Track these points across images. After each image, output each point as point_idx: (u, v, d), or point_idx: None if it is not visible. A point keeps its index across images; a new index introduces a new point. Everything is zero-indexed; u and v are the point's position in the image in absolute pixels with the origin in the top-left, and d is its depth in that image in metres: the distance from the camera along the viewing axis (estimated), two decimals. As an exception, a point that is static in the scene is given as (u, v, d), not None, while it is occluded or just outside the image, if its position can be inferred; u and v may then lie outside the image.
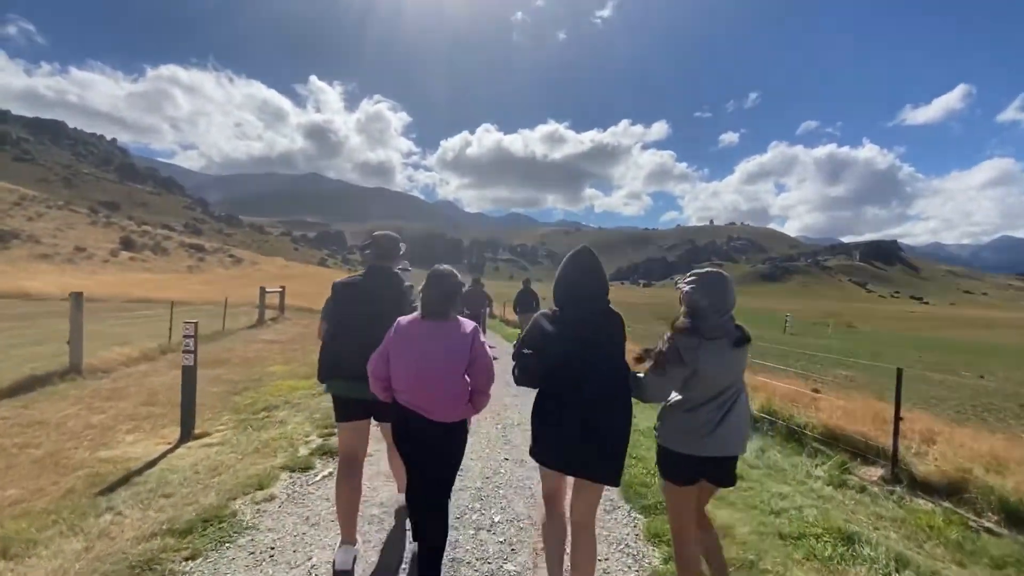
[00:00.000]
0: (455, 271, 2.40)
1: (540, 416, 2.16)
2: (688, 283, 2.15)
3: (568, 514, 2.24)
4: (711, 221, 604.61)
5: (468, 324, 2.34)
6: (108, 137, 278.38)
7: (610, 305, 2.23)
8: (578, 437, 2.02)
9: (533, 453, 2.19)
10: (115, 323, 12.33)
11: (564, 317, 2.16)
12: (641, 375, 2.16)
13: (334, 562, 2.52)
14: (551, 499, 2.25)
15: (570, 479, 2.18)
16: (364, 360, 2.37)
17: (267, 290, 14.60)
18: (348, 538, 2.60)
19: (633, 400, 2.15)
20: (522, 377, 2.18)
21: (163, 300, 20.29)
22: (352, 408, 2.67)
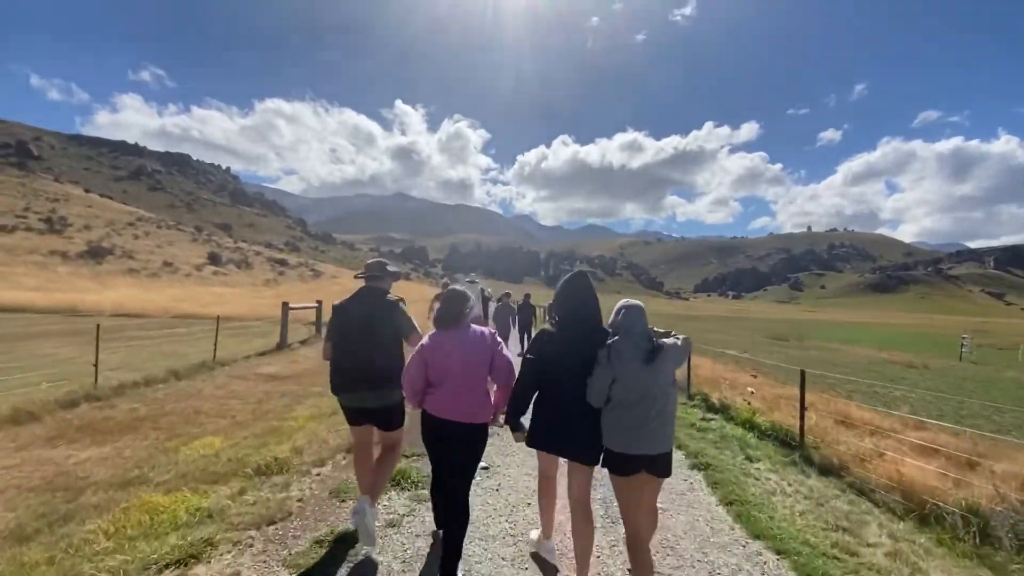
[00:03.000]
0: (467, 293, 2.87)
1: (535, 412, 2.70)
2: (617, 312, 2.67)
3: (558, 488, 2.91)
4: (809, 227, 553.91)
5: (485, 330, 2.77)
6: (223, 166, 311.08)
7: (601, 324, 2.73)
8: (558, 427, 2.60)
9: (528, 441, 2.68)
10: (113, 344, 10.66)
11: (563, 332, 2.68)
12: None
13: (353, 508, 2.95)
14: (544, 474, 2.89)
15: (563, 464, 2.73)
16: (359, 372, 3.00)
17: (291, 306, 12.31)
18: (364, 491, 3.14)
19: None
20: (521, 380, 2.69)
21: (208, 316, 19.34)
22: (356, 414, 3.16)
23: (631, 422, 2.42)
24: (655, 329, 2.64)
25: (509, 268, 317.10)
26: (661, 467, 2.46)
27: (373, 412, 3.11)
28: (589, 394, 2.51)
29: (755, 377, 9.68)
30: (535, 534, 3.13)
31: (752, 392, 6.99)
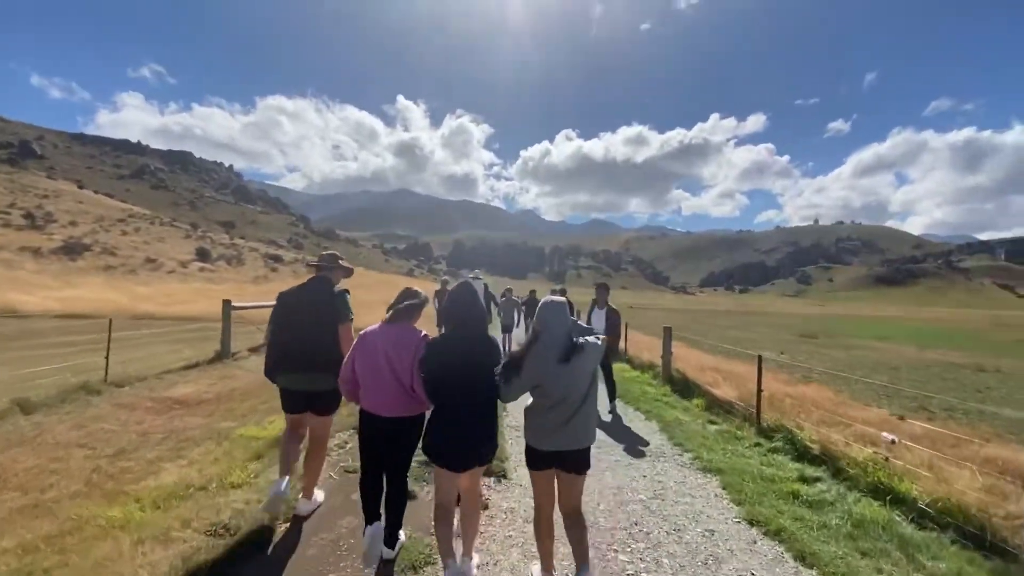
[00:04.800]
0: (420, 291, 2.90)
1: (432, 423, 2.62)
2: (539, 310, 2.59)
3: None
4: (816, 220, 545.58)
5: (420, 330, 2.81)
6: (226, 164, 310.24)
7: (487, 332, 2.70)
8: (458, 439, 2.54)
9: (432, 457, 2.60)
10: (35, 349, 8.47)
11: (451, 340, 2.65)
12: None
13: (271, 490, 3.13)
14: (468, 495, 2.78)
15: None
16: (304, 356, 3.10)
17: (238, 305, 9.99)
18: (284, 473, 3.25)
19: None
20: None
21: (168, 317, 17.14)
22: (297, 399, 3.25)
23: (550, 422, 2.44)
24: (580, 324, 2.69)
25: (513, 264, 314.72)
26: (573, 464, 2.50)
27: (315, 396, 3.21)
28: (502, 393, 2.54)
29: (887, 413, 7.28)
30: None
31: (894, 442, 4.58)
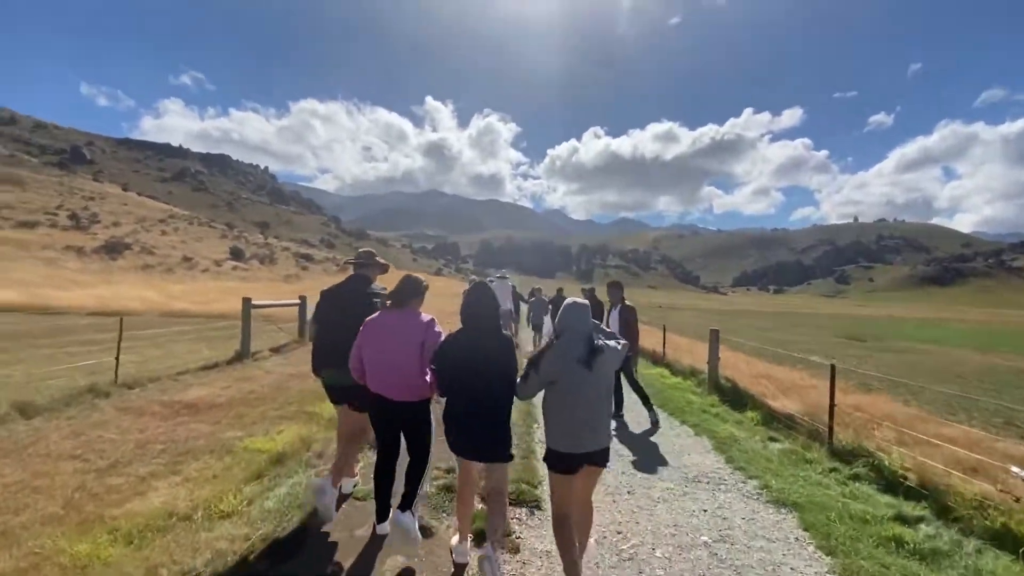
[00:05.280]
0: (420, 277, 3.03)
1: (447, 415, 2.69)
2: (562, 311, 2.58)
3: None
4: (855, 218, 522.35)
5: (425, 316, 2.88)
6: (262, 166, 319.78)
7: (500, 329, 2.74)
8: (470, 430, 2.65)
9: (450, 446, 2.72)
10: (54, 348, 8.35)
11: (466, 336, 2.74)
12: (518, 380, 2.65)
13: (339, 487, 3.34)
14: (470, 482, 2.90)
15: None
16: (342, 351, 2.99)
17: (258, 303, 9.66)
18: (336, 481, 3.27)
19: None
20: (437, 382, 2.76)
21: (201, 314, 17.17)
22: (338, 393, 3.38)
23: (571, 424, 2.42)
24: (602, 327, 2.62)
25: (540, 263, 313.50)
26: (600, 459, 2.49)
27: (352, 390, 3.14)
28: (519, 390, 2.58)
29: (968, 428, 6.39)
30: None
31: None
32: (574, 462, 2.44)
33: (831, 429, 5.13)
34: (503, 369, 2.61)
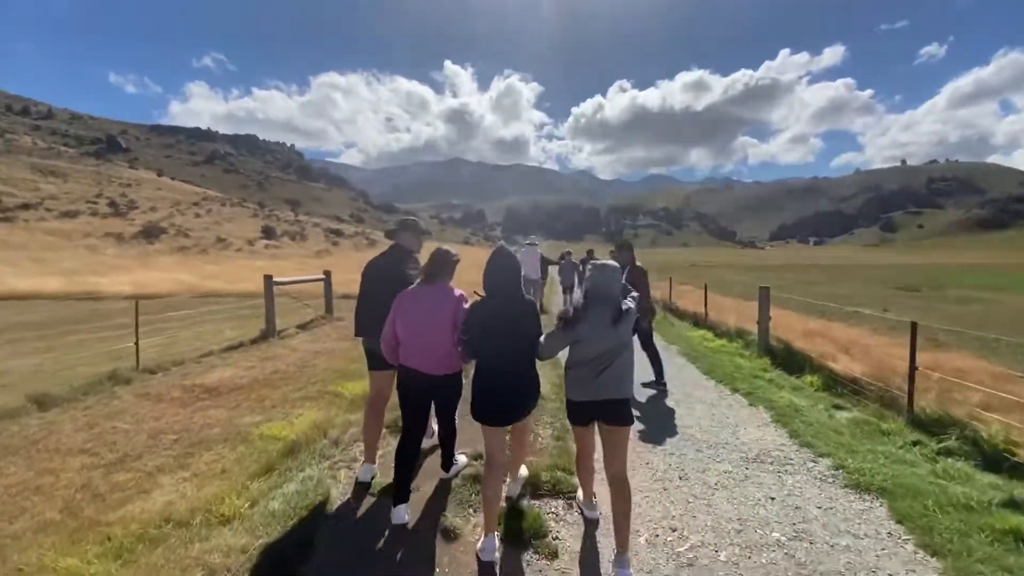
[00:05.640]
0: (451, 250, 2.98)
1: (474, 382, 2.71)
2: (592, 272, 2.63)
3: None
4: (903, 161, 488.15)
5: (457, 290, 2.91)
6: (288, 144, 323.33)
7: (521, 292, 2.75)
8: (497, 396, 2.69)
9: (473, 415, 2.70)
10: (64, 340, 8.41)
11: (490, 301, 2.74)
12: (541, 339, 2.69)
13: (356, 476, 3.37)
14: (490, 456, 2.77)
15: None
16: (379, 320, 2.98)
17: (280, 280, 9.43)
18: (370, 459, 3.44)
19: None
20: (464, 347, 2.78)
21: (237, 293, 17.34)
22: (379, 359, 3.14)
23: (585, 375, 2.52)
24: (628, 288, 2.80)
25: (569, 226, 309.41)
26: (613, 414, 2.53)
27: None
28: (541, 350, 2.65)
29: None
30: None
31: None
32: (587, 410, 2.56)
33: (911, 395, 4.48)
34: (526, 331, 2.66)
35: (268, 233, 44.79)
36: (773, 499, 3.13)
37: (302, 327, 9.70)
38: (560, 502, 3.07)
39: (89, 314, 12.57)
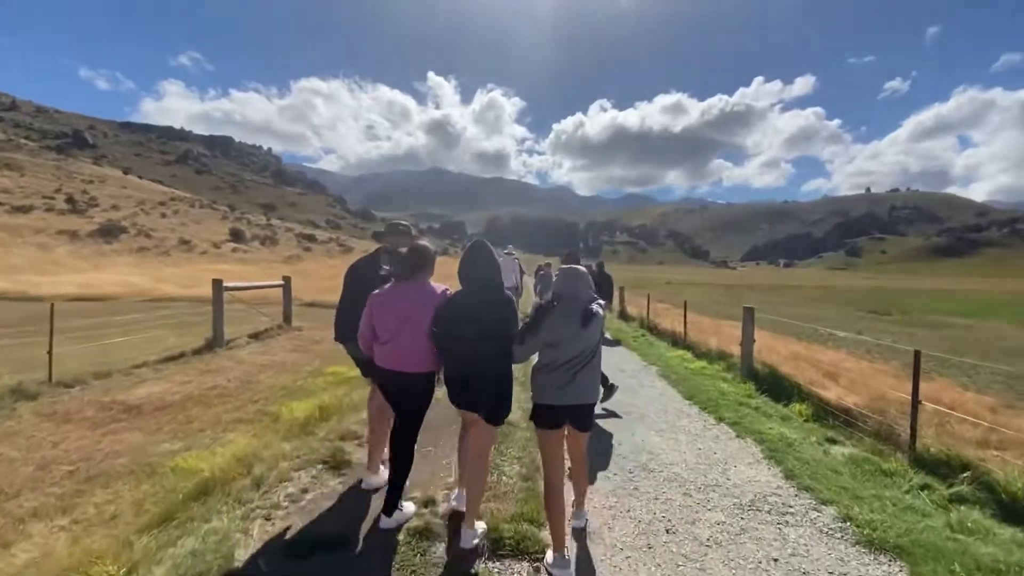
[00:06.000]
0: (429, 246, 2.83)
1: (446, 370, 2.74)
2: (557, 274, 2.73)
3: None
4: (868, 188, 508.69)
5: (438, 286, 2.76)
6: (265, 147, 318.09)
7: (500, 287, 2.69)
8: (464, 386, 2.68)
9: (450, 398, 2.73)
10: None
11: (465, 295, 2.72)
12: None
13: (360, 480, 3.29)
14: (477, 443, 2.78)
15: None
16: (356, 326, 2.89)
17: (230, 285, 8.67)
18: (373, 469, 3.30)
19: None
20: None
21: (192, 298, 16.30)
22: (368, 364, 2.99)
23: (558, 379, 2.50)
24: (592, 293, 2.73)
25: (547, 240, 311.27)
26: (582, 419, 2.60)
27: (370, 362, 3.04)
28: (517, 352, 2.58)
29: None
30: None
31: None
32: (558, 414, 2.54)
33: (914, 431, 4.09)
34: (503, 327, 2.58)
35: (236, 236, 43.23)
36: (776, 560, 2.64)
37: (254, 337, 8.94)
38: (525, 565, 2.52)
39: (21, 317, 11.50)
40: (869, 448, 4.32)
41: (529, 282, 15.18)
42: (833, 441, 4.55)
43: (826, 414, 5.24)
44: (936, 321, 20.39)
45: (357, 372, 6.89)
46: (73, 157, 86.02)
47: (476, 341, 2.53)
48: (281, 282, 10.34)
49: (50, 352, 5.70)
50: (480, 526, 2.72)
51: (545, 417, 2.56)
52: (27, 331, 9.54)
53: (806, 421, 5.16)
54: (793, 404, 5.59)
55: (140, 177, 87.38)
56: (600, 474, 3.67)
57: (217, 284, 8.12)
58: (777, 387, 6.16)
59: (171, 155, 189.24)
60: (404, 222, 3.58)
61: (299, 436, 4.04)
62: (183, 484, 3.20)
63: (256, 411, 4.92)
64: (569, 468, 2.81)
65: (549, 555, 2.52)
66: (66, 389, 5.41)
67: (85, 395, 5.27)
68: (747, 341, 6.80)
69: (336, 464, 3.48)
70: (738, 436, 4.62)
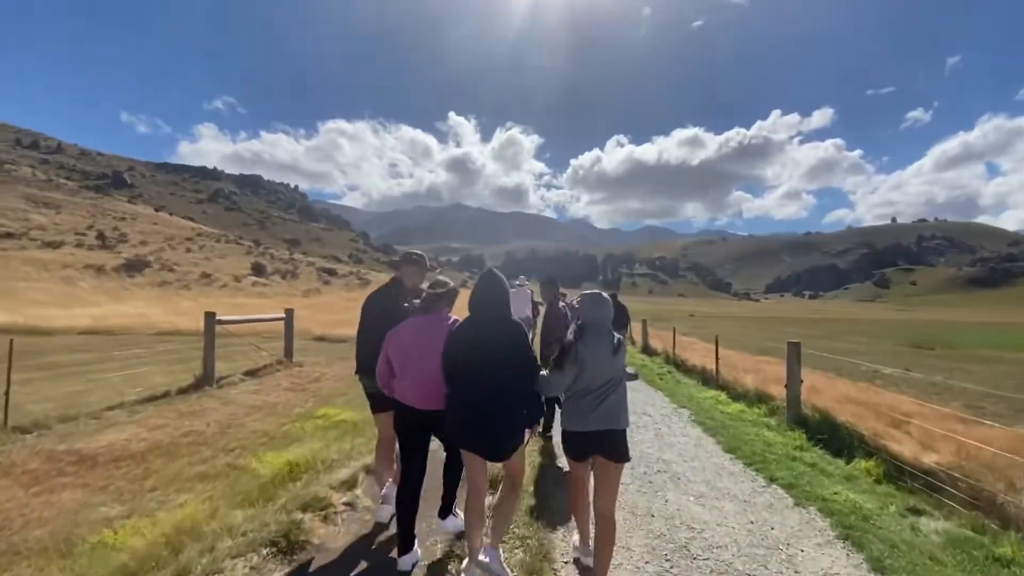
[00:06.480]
0: (449, 280, 2.87)
1: (449, 405, 2.60)
2: (579, 301, 2.69)
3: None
4: (893, 219, 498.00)
5: (452, 317, 2.76)
6: (292, 185, 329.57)
7: (510, 316, 2.62)
8: (472, 421, 2.52)
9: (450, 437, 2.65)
10: None
11: (475, 324, 2.62)
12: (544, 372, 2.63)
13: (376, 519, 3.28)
14: (473, 484, 2.70)
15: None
16: (374, 359, 2.88)
17: (224, 319, 8.16)
18: (386, 500, 3.31)
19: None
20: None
21: (199, 332, 16.00)
22: (381, 400, 3.01)
23: (586, 405, 2.48)
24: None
25: (566, 273, 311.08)
26: (612, 446, 2.48)
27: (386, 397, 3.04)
28: (549, 387, 2.54)
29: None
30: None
31: None
32: (587, 442, 2.51)
33: None
34: (513, 358, 2.50)
35: (258, 270, 43.76)
36: None
37: (250, 373, 8.38)
38: None
39: (19, 352, 11.19)
40: (968, 523, 3.42)
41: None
42: (918, 512, 3.65)
43: (900, 473, 4.33)
44: (985, 355, 18.83)
45: (347, 414, 6.39)
46: (110, 196, 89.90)
47: (482, 367, 2.45)
48: (282, 315, 9.82)
49: (7, 393, 5.18)
50: (502, 552, 2.63)
51: (572, 444, 2.57)
52: (19, 366, 9.19)
53: (877, 483, 4.25)
54: (857, 460, 4.67)
55: (171, 214, 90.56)
56: (628, 562, 2.86)
57: (209, 317, 7.63)
58: (833, 437, 5.24)
59: (203, 193, 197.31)
60: (418, 251, 3.53)
61: (257, 502, 3.35)
62: (94, 572, 2.53)
63: (224, 464, 4.25)
64: (593, 527, 2.63)
65: (575, 537, 2.85)
66: (21, 435, 4.85)
67: (39, 443, 4.69)
68: (793, 382, 5.92)
69: (288, 547, 2.76)
70: (797, 504, 3.75)
